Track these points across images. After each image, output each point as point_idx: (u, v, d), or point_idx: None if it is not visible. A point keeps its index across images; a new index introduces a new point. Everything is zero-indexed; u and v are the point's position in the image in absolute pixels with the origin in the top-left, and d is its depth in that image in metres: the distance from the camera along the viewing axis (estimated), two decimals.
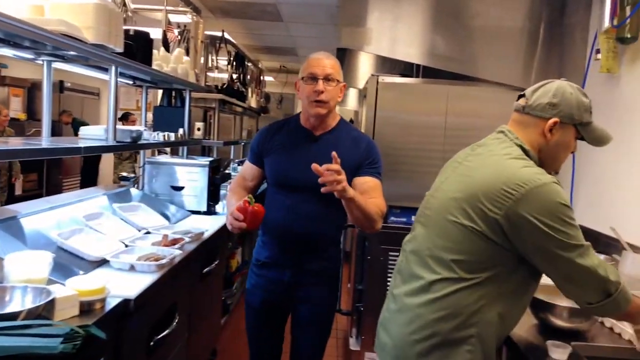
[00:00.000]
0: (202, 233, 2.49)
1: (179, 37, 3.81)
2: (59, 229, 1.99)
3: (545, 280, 1.90)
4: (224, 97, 4.41)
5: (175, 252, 2.02)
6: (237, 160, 6.45)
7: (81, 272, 1.78)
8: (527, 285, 1.36)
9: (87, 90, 8.21)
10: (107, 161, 7.79)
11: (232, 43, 5.15)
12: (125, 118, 6.56)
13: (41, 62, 2.22)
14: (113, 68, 2.26)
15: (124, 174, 3.41)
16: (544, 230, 1.21)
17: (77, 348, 1.20)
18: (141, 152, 3.51)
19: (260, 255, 1.97)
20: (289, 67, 8.25)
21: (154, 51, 3.15)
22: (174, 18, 3.74)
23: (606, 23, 2.33)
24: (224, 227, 3.05)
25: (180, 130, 3.38)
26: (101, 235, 2.09)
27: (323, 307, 1.97)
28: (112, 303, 1.53)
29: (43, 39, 1.65)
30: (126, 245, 2.08)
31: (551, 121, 1.34)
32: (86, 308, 1.44)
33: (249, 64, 6.04)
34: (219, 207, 3.63)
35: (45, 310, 1.32)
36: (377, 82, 2.99)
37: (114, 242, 2.07)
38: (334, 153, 1.57)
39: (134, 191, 3.12)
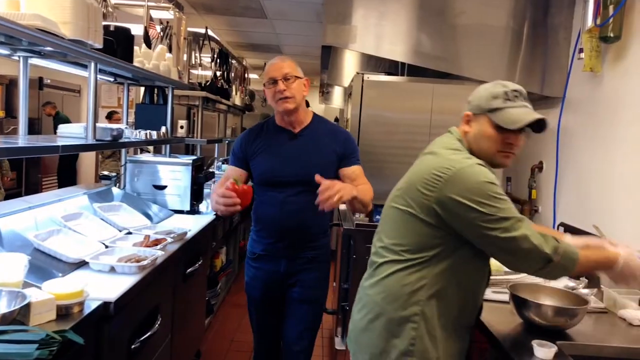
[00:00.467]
0: (185, 233, 2.45)
1: (162, 33, 3.74)
2: (37, 230, 1.93)
3: (530, 279, 1.91)
4: (208, 94, 4.35)
5: (157, 253, 1.98)
6: (221, 159, 6.38)
7: (59, 274, 1.73)
8: (469, 265, 1.41)
9: (68, 87, 8.05)
10: (89, 160, 7.66)
11: (216, 40, 5.09)
12: (110, 117, 6.46)
13: (17, 58, 2.15)
14: (92, 64, 2.21)
15: (105, 172, 3.35)
16: (471, 206, 1.30)
17: (54, 354, 1.16)
18: (123, 150, 3.45)
19: (255, 249, 2.11)
20: None
21: (135, 48, 3.08)
22: (156, 14, 3.67)
23: (589, 22, 2.34)
24: (208, 226, 3.02)
25: (163, 129, 3.32)
26: (80, 236, 2.04)
27: (315, 289, 2.12)
28: (91, 306, 1.49)
29: (18, 34, 1.59)
30: (106, 246, 2.03)
31: (464, 114, 1.48)
32: (63, 312, 1.39)
33: (233, 62, 5.98)
34: (202, 207, 3.58)
35: (20, 315, 1.28)
36: (363, 80, 2.98)
37: (93, 243, 2.02)
38: (317, 176, 1.74)
39: (115, 190, 3.06)
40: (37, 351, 1.13)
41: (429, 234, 1.36)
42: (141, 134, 2.96)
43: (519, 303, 1.55)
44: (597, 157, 2.44)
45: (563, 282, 1.99)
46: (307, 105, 7.98)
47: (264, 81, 2.00)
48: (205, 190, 4.19)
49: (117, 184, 3.30)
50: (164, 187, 3.20)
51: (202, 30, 4.57)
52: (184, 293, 2.55)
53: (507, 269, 2.11)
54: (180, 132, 4.37)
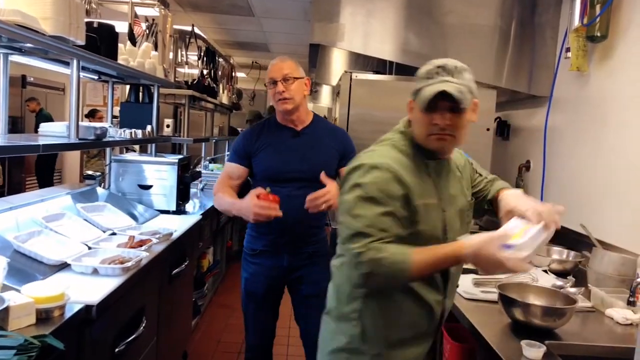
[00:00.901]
0: (171, 233, 2.41)
1: (147, 31, 3.69)
2: (17, 231, 1.88)
3: (518, 278, 1.91)
4: (194, 93, 4.30)
5: (142, 254, 1.94)
6: (208, 158, 6.33)
7: (40, 277, 1.68)
8: None
9: (51, 85, 7.91)
10: (73, 159, 7.54)
11: (203, 38, 5.03)
12: (92, 115, 6.36)
13: None
14: (75, 62, 2.16)
15: (90, 172, 3.29)
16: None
17: None
18: (107, 149, 3.39)
19: (255, 245, 2.14)
20: (261, 63, 8.15)
21: (120, 45, 3.03)
22: (141, 11, 3.61)
23: (576, 21, 2.35)
24: (194, 226, 2.98)
25: (148, 127, 3.26)
26: (62, 238, 1.99)
27: (320, 283, 2.15)
28: (72, 310, 1.45)
29: None
30: (89, 248, 1.99)
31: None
32: (44, 316, 1.35)
33: (220, 60, 5.92)
34: (189, 206, 3.54)
35: None
36: (351, 78, 2.95)
37: (76, 245, 1.97)
38: (322, 175, 1.88)
39: (100, 190, 3.01)
40: (15, 357, 1.10)
41: None
42: (126, 133, 2.91)
43: (508, 303, 1.54)
44: (584, 156, 2.45)
45: (551, 281, 1.99)
46: None
47: (265, 82, 2.08)
48: (192, 190, 4.15)
49: (102, 184, 3.25)
50: (149, 187, 3.16)
51: (189, 28, 4.51)
52: (170, 294, 2.51)
53: None
54: (167, 131, 4.31)
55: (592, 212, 2.33)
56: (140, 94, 3.67)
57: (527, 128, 3.10)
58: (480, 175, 1.60)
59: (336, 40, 2.92)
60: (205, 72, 5.02)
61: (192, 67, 5.76)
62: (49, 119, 6.64)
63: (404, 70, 3.22)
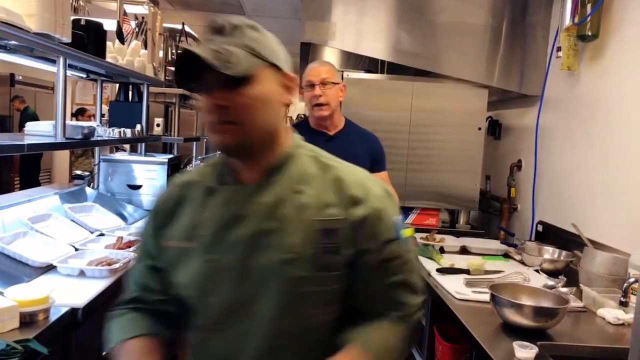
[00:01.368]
0: None
1: (137, 29, 3.64)
2: (2, 233, 1.85)
3: (510, 278, 1.90)
4: (185, 92, 4.26)
5: (130, 255, 1.91)
6: (199, 157, 6.28)
7: (25, 279, 1.65)
8: None
9: (40, 84, 7.82)
10: (63, 159, 7.46)
11: (193, 36, 4.98)
12: (81, 113, 6.28)
13: None
14: (61, 59, 2.12)
15: (78, 172, 3.24)
16: None
17: None
18: (96, 149, 3.35)
19: None
20: None
21: (109, 43, 2.99)
22: (130, 9, 3.57)
23: (567, 21, 2.35)
24: None
25: (138, 127, 3.22)
26: (48, 239, 1.95)
27: None
28: (57, 313, 1.42)
29: None
30: (76, 249, 1.96)
31: None
32: (28, 320, 1.33)
33: None
34: None
35: None
36: (342, 77, 2.93)
37: (62, 246, 1.93)
38: None
39: (89, 190, 2.97)
40: None
41: None
42: (114, 132, 2.87)
43: (499, 303, 1.53)
44: (575, 155, 2.45)
45: (542, 281, 1.99)
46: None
47: (302, 84, 2.02)
48: None
49: (91, 184, 3.21)
50: (139, 187, 3.12)
51: (179, 26, 4.46)
52: None
53: (487, 268, 2.12)
54: (157, 130, 4.26)
55: (584, 211, 2.33)
56: (130, 92, 3.62)
57: (519, 127, 3.10)
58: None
59: (327, 39, 2.89)
60: None
61: None
62: (34, 117, 6.55)
63: (396, 69, 3.21)
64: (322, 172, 0.96)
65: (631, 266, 1.72)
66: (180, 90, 4.22)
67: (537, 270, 2.17)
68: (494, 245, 2.58)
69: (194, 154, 6.02)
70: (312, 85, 1.98)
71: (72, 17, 2.66)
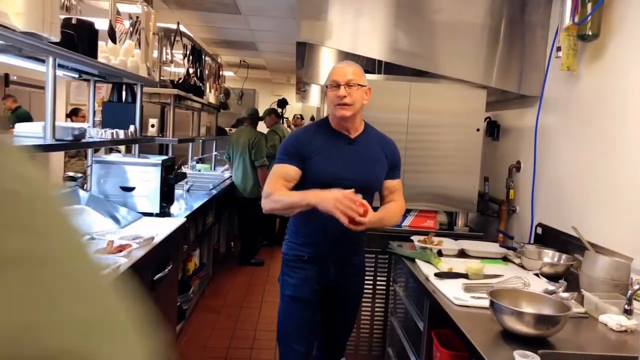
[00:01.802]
0: (153, 238, 2.33)
1: (131, 28, 3.59)
2: None
3: (510, 284, 1.86)
4: (179, 92, 4.21)
5: (120, 261, 1.87)
6: (195, 158, 6.23)
7: None
8: None
9: (35, 84, 7.76)
10: (58, 160, 7.39)
11: (188, 36, 4.94)
12: (75, 114, 6.22)
13: None
14: (50, 59, 2.08)
15: (71, 173, 3.19)
16: None
17: None
18: (89, 150, 3.30)
19: (302, 252, 2.04)
20: (249, 62, 8.05)
21: (101, 43, 2.94)
22: (123, 8, 3.52)
23: (567, 20, 2.31)
24: (179, 229, 2.90)
25: (132, 127, 3.18)
26: None
27: (357, 297, 2.19)
28: None
29: None
30: None
31: None
32: None
33: (207, 58, 5.83)
34: (174, 208, 3.45)
35: None
36: None
37: None
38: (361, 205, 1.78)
39: (81, 193, 2.92)
40: None
41: None
42: (107, 134, 2.82)
43: (499, 310, 1.49)
44: (575, 157, 2.41)
45: (543, 285, 1.95)
46: (285, 104, 7.75)
47: (327, 83, 1.99)
48: (178, 191, 4.06)
49: (84, 186, 3.16)
50: (132, 189, 3.07)
51: (174, 26, 4.42)
52: (152, 301, 2.43)
53: (486, 273, 2.07)
54: (151, 131, 4.22)
55: (584, 213, 2.29)
56: (124, 93, 3.57)
57: (517, 128, 3.06)
58: None
59: (324, 39, 2.85)
60: (191, 71, 4.93)
61: (178, 65, 5.66)
62: (25, 117, 6.49)
63: (394, 70, 3.17)
64: None
65: (635, 271, 1.68)
66: (175, 91, 4.18)
67: (537, 274, 2.13)
68: (493, 248, 2.54)
69: (189, 155, 5.98)
70: (337, 86, 1.93)
71: (63, 16, 2.62)
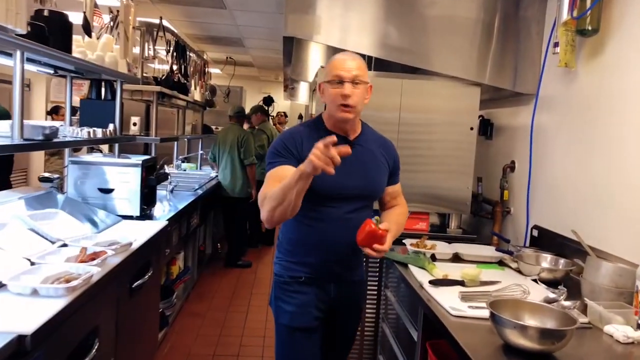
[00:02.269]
0: (130, 243, 2.19)
1: (112, 22, 3.44)
2: None
3: (509, 291, 1.76)
4: (163, 89, 4.06)
5: (93, 270, 1.73)
6: (181, 157, 6.07)
7: None
8: None
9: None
10: (40, 158, 7.18)
11: (172, 31, 4.78)
12: (56, 112, 6.04)
13: None
14: (18, 53, 1.93)
15: (46, 174, 3.03)
16: None
17: None
18: (65, 150, 3.14)
19: (298, 272, 1.79)
20: (236, 58, 7.90)
21: (78, 37, 2.79)
22: (101, 1, 3.36)
23: (565, 14, 2.21)
24: (161, 232, 2.76)
25: (111, 126, 3.03)
26: (0, 252, 1.76)
27: (358, 317, 2.00)
28: (1, 342, 1.24)
29: None
30: (32, 263, 1.76)
31: None
32: None
33: (192, 55, 5.67)
34: (156, 211, 3.32)
35: None
36: None
37: (15, 260, 1.74)
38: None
39: (58, 195, 2.77)
40: None
41: None
42: (83, 132, 2.68)
43: (501, 323, 1.38)
44: (573, 156, 2.32)
45: (542, 292, 1.85)
46: (271, 102, 7.63)
47: (327, 77, 1.70)
48: (161, 192, 3.91)
49: (62, 188, 3.00)
50: (111, 191, 2.93)
51: (156, 21, 4.26)
52: (131, 309, 2.30)
53: (483, 279, 1.97)
54: (133, 130, 4.07)
55: (582, 216, 2.20)
56: (103, 90, 3.42)
57: (512, 127, 2.97)
58: None
59: (312, 34, 2.73)
60: (175, 67, 4.77)
61: (162, 62, 5.49)
62: (4, 115, 6.29)
63: (384, 66, 3.06)
64: None
65: None
66: (158, 88, 4.02)
67: (535, 280, 2.04)
68: (489, 252, 2.44)
69: (175, 154, 5.82)
70: (341, 82, 1.66)
71: (36, 8, 2.47)
